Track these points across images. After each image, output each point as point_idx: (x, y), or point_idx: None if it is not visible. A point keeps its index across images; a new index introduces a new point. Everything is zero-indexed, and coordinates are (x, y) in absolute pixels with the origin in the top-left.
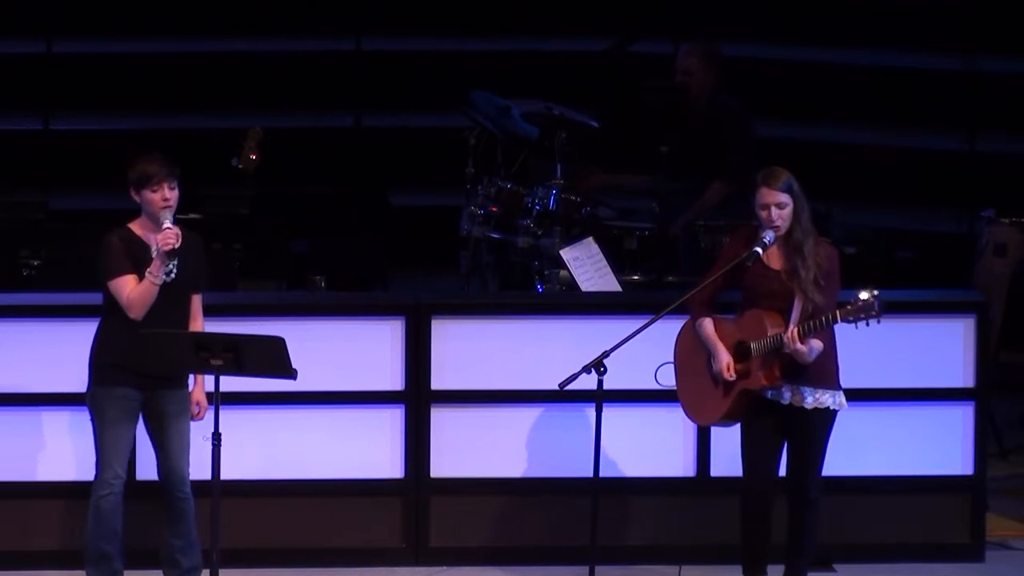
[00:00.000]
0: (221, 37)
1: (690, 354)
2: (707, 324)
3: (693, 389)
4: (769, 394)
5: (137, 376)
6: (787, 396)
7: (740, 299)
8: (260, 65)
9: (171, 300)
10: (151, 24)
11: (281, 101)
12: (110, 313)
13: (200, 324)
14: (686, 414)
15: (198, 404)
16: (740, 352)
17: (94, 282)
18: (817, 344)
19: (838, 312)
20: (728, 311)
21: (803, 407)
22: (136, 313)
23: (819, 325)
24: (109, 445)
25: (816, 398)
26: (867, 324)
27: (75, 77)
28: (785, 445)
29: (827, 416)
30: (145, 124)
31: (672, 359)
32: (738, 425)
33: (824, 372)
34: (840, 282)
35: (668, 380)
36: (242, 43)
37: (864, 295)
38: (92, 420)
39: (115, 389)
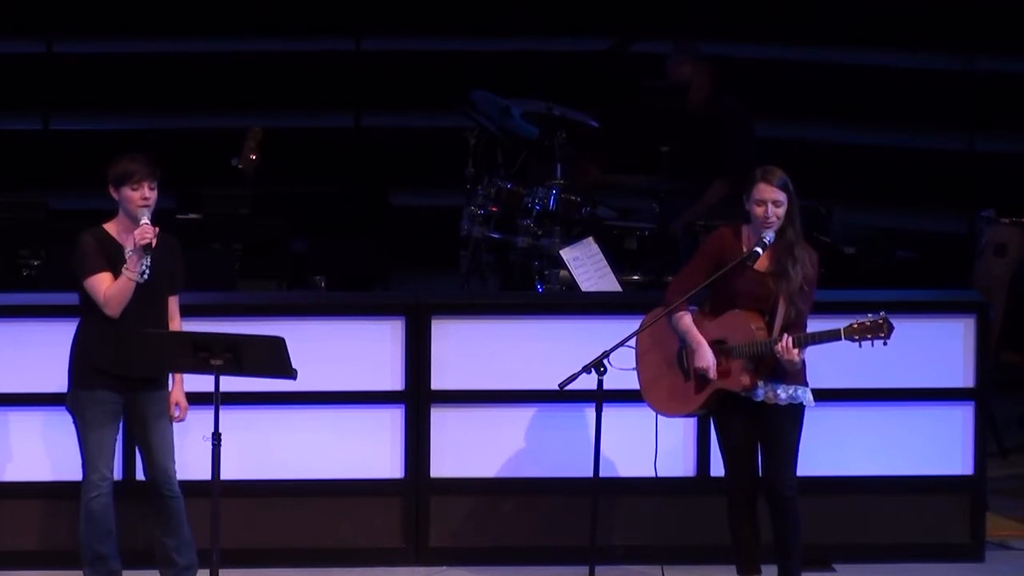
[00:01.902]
0: (221, 37)
1: (658, 341)
2: (687, 318)
3: (658, 378)
4: (742, 392)
5: (117, 379)
6: (760, 393)
7: (712, 295)
8: (260, 65)
9: (147, 300)
10: (151, 24)
11: (281, 101)
12: (88, 314)
13: (178, 325)
14: (648, 403)
15: (177, 405)
16: (718, 351)
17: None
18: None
19: (843, 330)
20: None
21: (777, 403)
22: (113, 311)
23: (817, 339)
24: (93, 448)
25: (789, 394)
26: (872, 345)
27: (75, 77)
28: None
29: (799, 412)
30: (145, 124)
31: (633, 343)
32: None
33: (795, 368)
34: (816, 285)
35: (625, 363)
36: (242, 43)
37: (872, 315)
38: (75, 423)
39: (95, 393)
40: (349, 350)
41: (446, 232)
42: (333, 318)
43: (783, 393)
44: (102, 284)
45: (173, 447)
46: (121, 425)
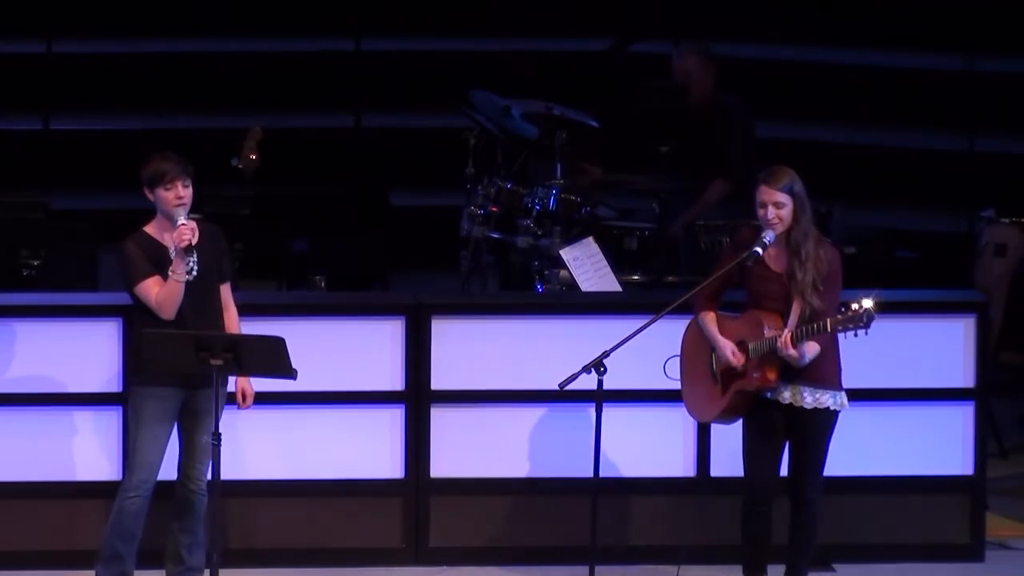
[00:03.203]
0: (221, 37)
1: (694, 350)
2: (709, 318)
3: (695, 385)
4: (769, 394)
5: (178, 376)
6: (786, 395)
7: (745, 299)
8: (260, 65)
9: (199, 295)
10: (151, 24)
11: (281, 101)
12: (143, 315)
13: (233, 313)
14: (687, 410)
15: (243, 393)
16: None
17: (93, 282)
18: (812, 348)
19: (830, 321)
20: (731, 309)
21: (803, 407)
22: (167, 314)
23: (812, 331)
24: (143, 446)
25: (816, 398)
26: (855, 335)
27: (75, 77)
28: (787, 444)
29: (828, 416)
30: (145, 124)
31: (679, 354)
32: (740, 424)
33: (824, 372)
34: (841, 284)
35: (676, 373)
36: (242, 43)
37: (855, 306)
38: (129, 420)
39: (155, 389)
40: (349, 350)
41: (446, 232)
42: (333, 318)
43: (808, 396)
44: (152, 290)
45: (211, 447)
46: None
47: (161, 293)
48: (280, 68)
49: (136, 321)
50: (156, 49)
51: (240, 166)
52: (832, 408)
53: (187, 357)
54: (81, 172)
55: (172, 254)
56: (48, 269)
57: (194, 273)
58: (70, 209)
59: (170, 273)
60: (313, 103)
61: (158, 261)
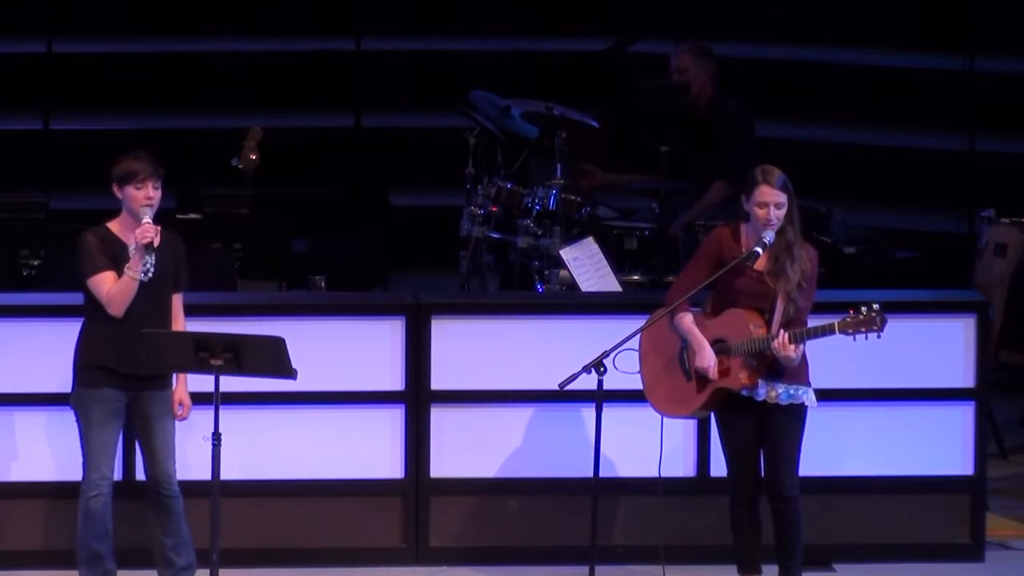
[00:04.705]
0: (221, 37)
1: (659, 342)
2: (688, 319)
3: (660, 379)
4: (744, 391)
5: (122, 377)
6: (762, 393)
7: (713, 295)
8: (260, 65)
9: (151, 298)
10: (151, 24)
11: (281, 101)
12: (92, 312)
13: (182, 323)
14: (653, 405)
15: (181, 403)
16: (717, 350)
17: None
18: (800, 348)
19: (837, 324)
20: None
21: (778, 403)
22: (116, 310)
23: (813, 334)
24: (95, 447)
25: (792, 394)
26: (866, 338)
27: (75, 77)
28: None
29: (801, 412)
30: (145, 124)
31: (636, 346)
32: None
33: (797, 369)
34: (816, 283)
35: (628, 367)
36: (242, 43)
37: (865, 309)
38: (77, 421)
39: (99, 391)
40: (349, 350)
41: (446, 232)
42: (333, 318)
43: (784, 393)
44: (105, 284)
45: (174, 447)
46: (123, 424)
47: (114, 288)
48: (280, 68)
49: (85, 318)
50: (156, 49)
51: (240, 166)
52: (805, 403)
53: (187, 357)
54: (81, 172)
55: (131, 251)
56: (48, 269)
57: (150, 274)
58: (70, 209)
59: (126, 269)
60: (313, 103)
61: (116, 257)
